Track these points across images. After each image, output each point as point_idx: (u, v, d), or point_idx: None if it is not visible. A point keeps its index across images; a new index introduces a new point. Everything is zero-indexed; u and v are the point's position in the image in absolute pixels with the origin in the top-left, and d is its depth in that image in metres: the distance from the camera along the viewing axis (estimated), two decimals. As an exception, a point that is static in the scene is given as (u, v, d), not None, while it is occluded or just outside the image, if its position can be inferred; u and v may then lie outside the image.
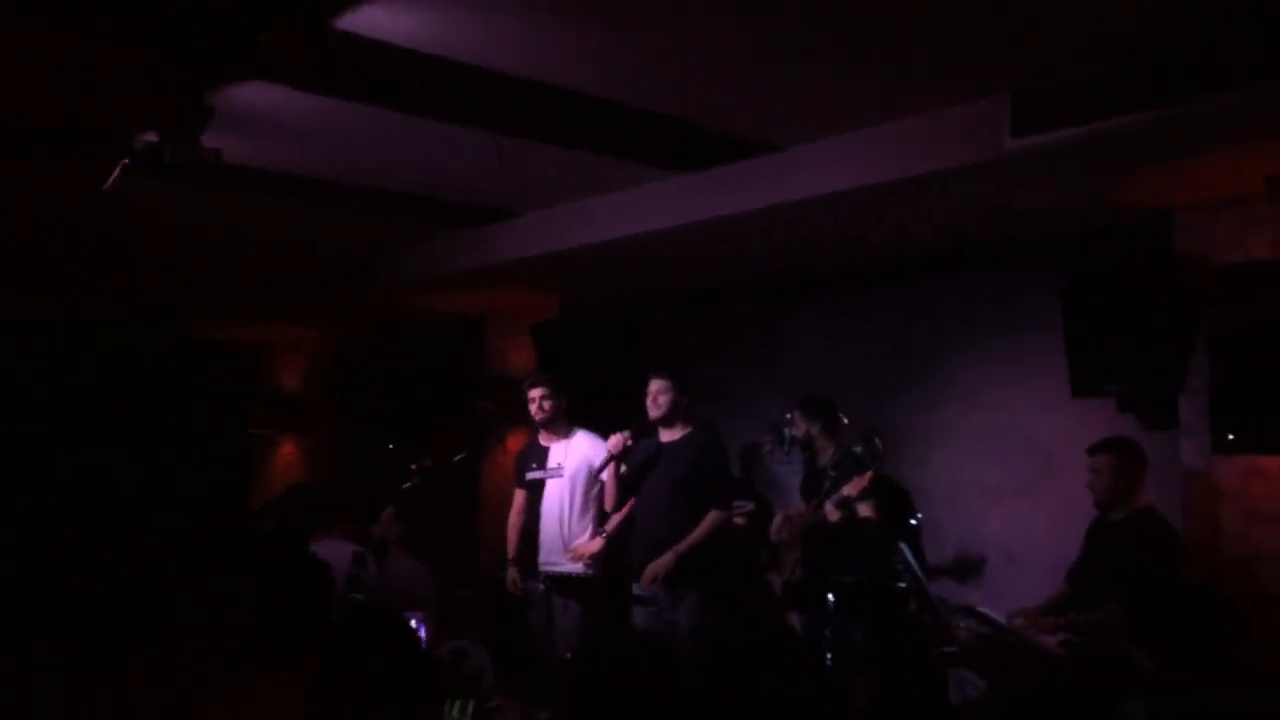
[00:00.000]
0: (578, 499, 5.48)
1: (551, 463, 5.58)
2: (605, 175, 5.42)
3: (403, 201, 5.93)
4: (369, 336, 9.06)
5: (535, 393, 5.55)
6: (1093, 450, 4.66)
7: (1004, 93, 4.20)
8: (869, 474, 5.22)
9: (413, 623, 4.71)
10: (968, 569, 5.87)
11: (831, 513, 5.32)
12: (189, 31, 3.36)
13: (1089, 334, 4.88)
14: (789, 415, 6.59)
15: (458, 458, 6.51)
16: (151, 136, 4.01)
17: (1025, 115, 4.18)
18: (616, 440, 5.20)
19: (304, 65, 3.46)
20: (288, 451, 9.79)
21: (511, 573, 5.60)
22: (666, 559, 5.03)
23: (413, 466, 6.28)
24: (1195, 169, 4.43)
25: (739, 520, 6.18)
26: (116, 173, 4.28)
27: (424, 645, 4.78)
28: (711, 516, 5.14)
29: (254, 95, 4.19)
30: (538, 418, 5.57)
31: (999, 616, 4.66)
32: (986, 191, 4.76)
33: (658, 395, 5.21)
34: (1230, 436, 4.17)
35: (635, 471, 5.27)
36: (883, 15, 3.56)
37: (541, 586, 5.47)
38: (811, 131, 4.76)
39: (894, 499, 5.80)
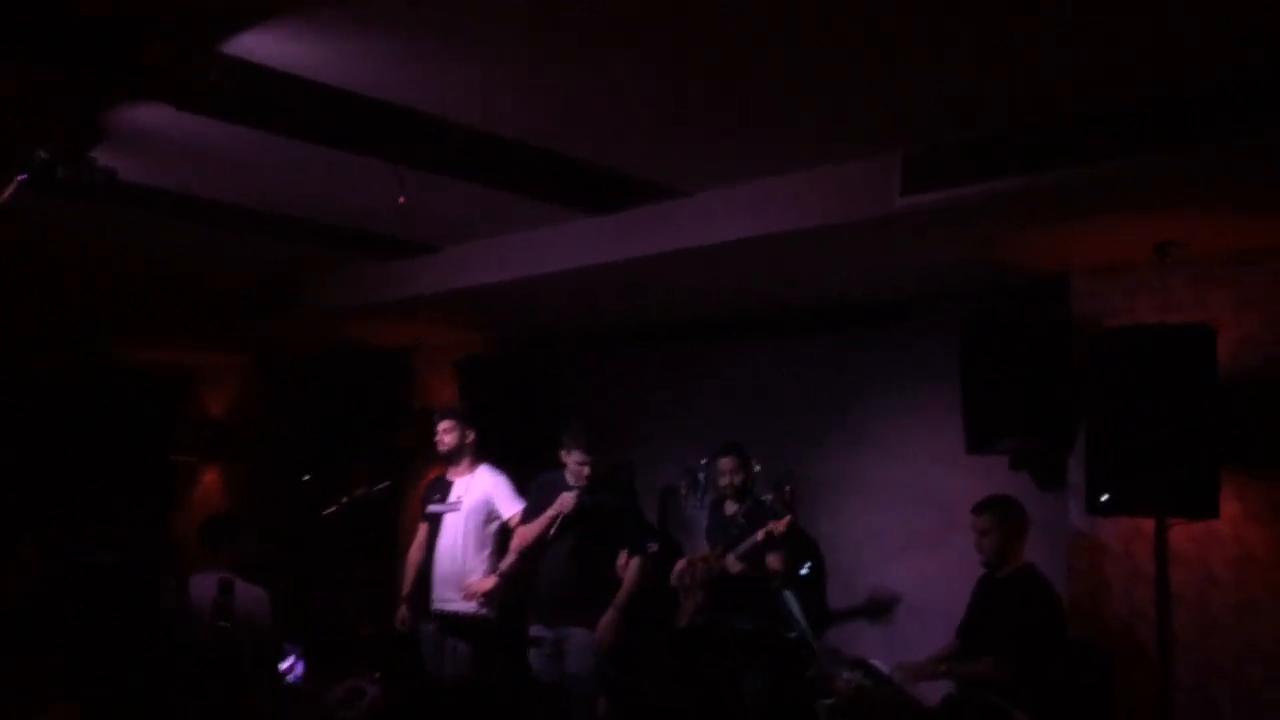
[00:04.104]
0: (474, 535, 5.42)
1: (452, 496, 5.54)
2: (521, 214, 5.44)
3: (321, 231, 5.92)
4: (299, 364, 9.00)
5: (440, 425, 5.55)
6: (977, 509, 4.70)
7: (896, 151, 4.28)
8: (786, 518, 5.25)
9: (289, 660, 4.68)
10: (879, 609, 5.87)
11: (733, 565, 5.33)
12: (73, 49, 3.36)
13: (983, 392, 4.95)
14: (704, 460, 6.65)
15: (379, 487, 6.45)
16: (44, 154, 3.99)
17: (915, 174, 4.26)
18: (569, 499, 5.15)
19: (189, 88, 3.45)
20: (211, 480, 9.67)
21: (402, 611, 5.53)
22: (610, 616, 5.06)
23: (344, 499, 6.21)
24: (1085, 234, 4.53)
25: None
26: (12, 188, 4.25)
27: (298, 681, 4.74)
28: (635, 562, 5.17)
29: (162, 118, 4.19)
30: (440, 450, 5.55)
31: (886, 670, 4.67)
32: (881, 246, 4.83)
33: (583, 465, 5.18)
34: (1104, 498, 4.21)
35: (543, 510, 5.24)
36: (782, 70, 3.62)
37: (433, 626, 5.40)
38: (717, 179, 4.81)
39: (802, 548, 5.84)
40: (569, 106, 4.03)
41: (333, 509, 5.97)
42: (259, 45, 3.51)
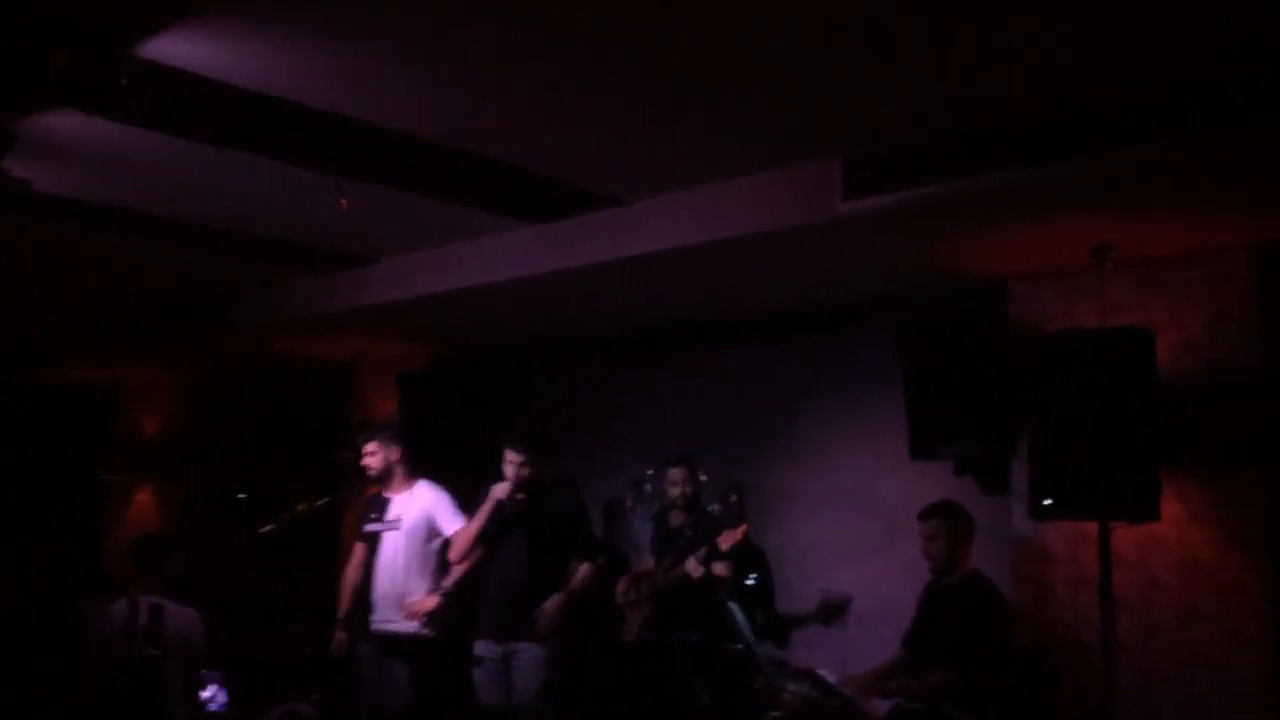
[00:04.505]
0: (414, 553, 5.27)
1: (391, 515, 5.39)
2: (461, 224, 5.33)
3: (254, 243, 5.76)
4: (236, 379, 8.79)
5: (365, 448, 5.42)
6: (924, 515, 4.67)
7: (838, 156, 4.25)
8: (743, 526, 5.18)
9: (211, 689, 4.52)
10: (832, 613, 5.83)
11: (695, 568, 5.24)
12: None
13: (925, 398, 4.92)
14: (650, 471, 6.57)
15: (319, 503, 6.28)
16: (-47, 162, 3.81)
17: (857, 179, 4.23)
18: (502, 486, 4.99)
19: (99, 93, 3.31)
20: (144, 499, 9.41)
21: (338, 634, 5.37)
22: (557, 599, 4.93)
23: (283, 517, 6.04)
24: (1024, 238, 4.52)
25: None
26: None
27: (221, 710, 4.58)
28: (585, 567, 5.07)
29: (78, 125, 4.03)
30: (369, 473, 5.43)
31: (834, 680, 4.61)
32: (823, 252, 4.80)
33: (520, 467, 5.06)
34: (1046, 502, 4.19)
35: (491, 525, 5.12)
36: (721, 75, 3.57)
37: (371, 647, 5.24)
38: (655, 187, 4.75)
39: (748, 558, 5.77)
40: (508, 114, 3.95)
41: (270, 527, 5.80)
42: (174, 48, 3.37)
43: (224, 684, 4.04)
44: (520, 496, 5.04)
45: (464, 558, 5.17)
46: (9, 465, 8.72)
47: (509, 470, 5.02)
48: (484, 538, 5.13)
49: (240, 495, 7.36)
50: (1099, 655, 4.45)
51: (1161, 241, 4.48)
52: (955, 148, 4.00)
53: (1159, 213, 4.18)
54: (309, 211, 5.15)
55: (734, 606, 4.62)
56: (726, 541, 5.15)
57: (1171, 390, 4.37)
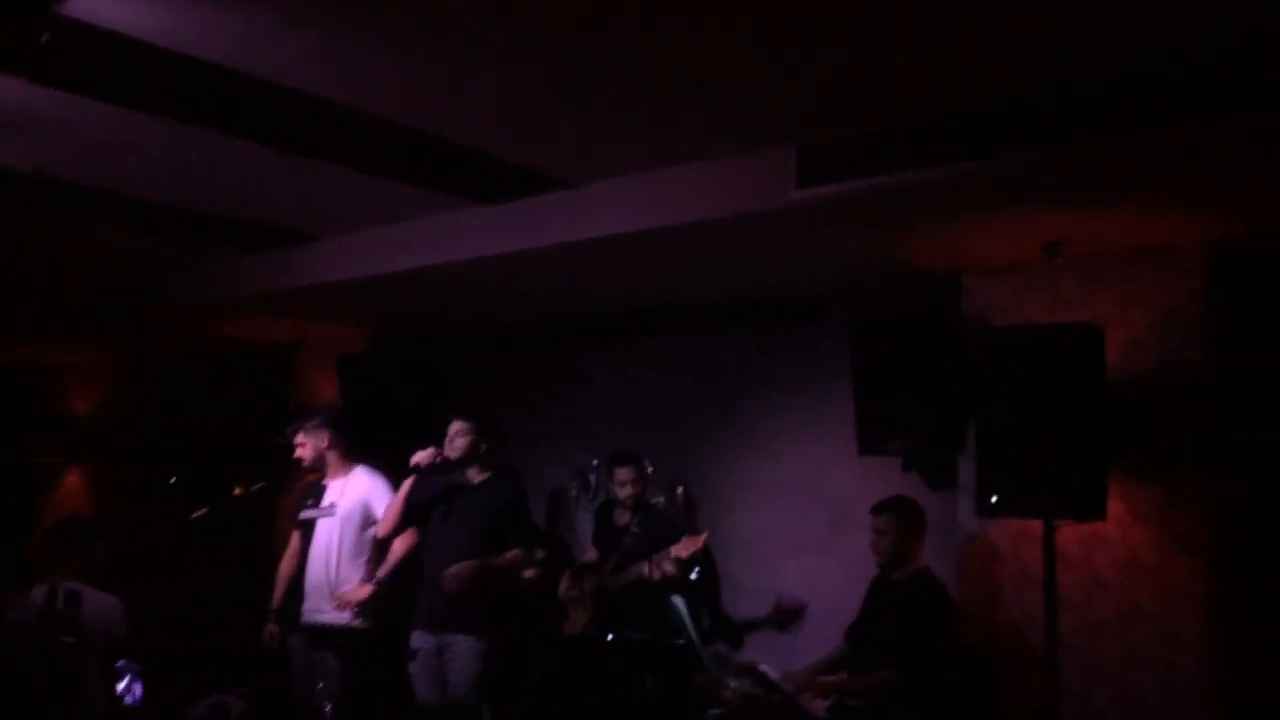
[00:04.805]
0: (349, 541, 5.11)
1: (326, 501, 5.23)
2: (405, 203, 5.18)
3: (189, 219, 5.55)
4: (173, 361, 8.54)
5: (294, 440, 5.27)
6: (876, 509, 4.62)
7: (792, 143, 4.17)
8: (703, 536, 5.06)
9: (125, 680, 4.34)
10: (787, 618, 5.76)
11: (652, 571, 5.11)
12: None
13: (874, 392, 4.87)
14: (594, 461, 6.45)
15: (255, 487, 6.10)
16: None
17: (812, 166, 4.15)
18: (425, 454, 4.85)
19: (18, 52, 3.13)
20: (73, 482, 9.13)
21: (270, 626, 5.21)
22: (471, 564, 4.71)
23: (218, 502, 5.85)
24: (975, 232, 4.48)
25: (529, 574, 5.95)
26: None
27: (136, 704, 4.41)
28: (516, 553, 4.87)
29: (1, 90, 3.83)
30: (303, 464, 5.28)
31: (776, 676, 4.54)
32: (777, 241, 4.72)
33: (455, 437, 4.94)
34: (993, 499, 4.15)
35: (420, 503, 4.97)
36: (674, 59, 3.48)
37: (302, 638, 5.08)
38: (606, 170, 4.64)
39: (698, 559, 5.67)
40: (456, 91, 3.82)
41: (202, 511, 5.62)
42: (99, 7, 3.19)
43: (140, 676, 3.88)
44: (441, 460, 4.85)
45: (390, 533, 4.99)
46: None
47: (448, 440, 4.89)
48: (416, 518, 4.97)
49: (171, 479, 7.14)
50: (1044, 654, 4.43)
51: (1113, 237, 4.45)
52: (911, 138, 3.94)
53: (1111, 208, 4.15)
54: (248, 187, 4.99)
55: (677, 601, 4.52)
56: (685, 550, 5.02)
57: (1119, 388, 4.34)
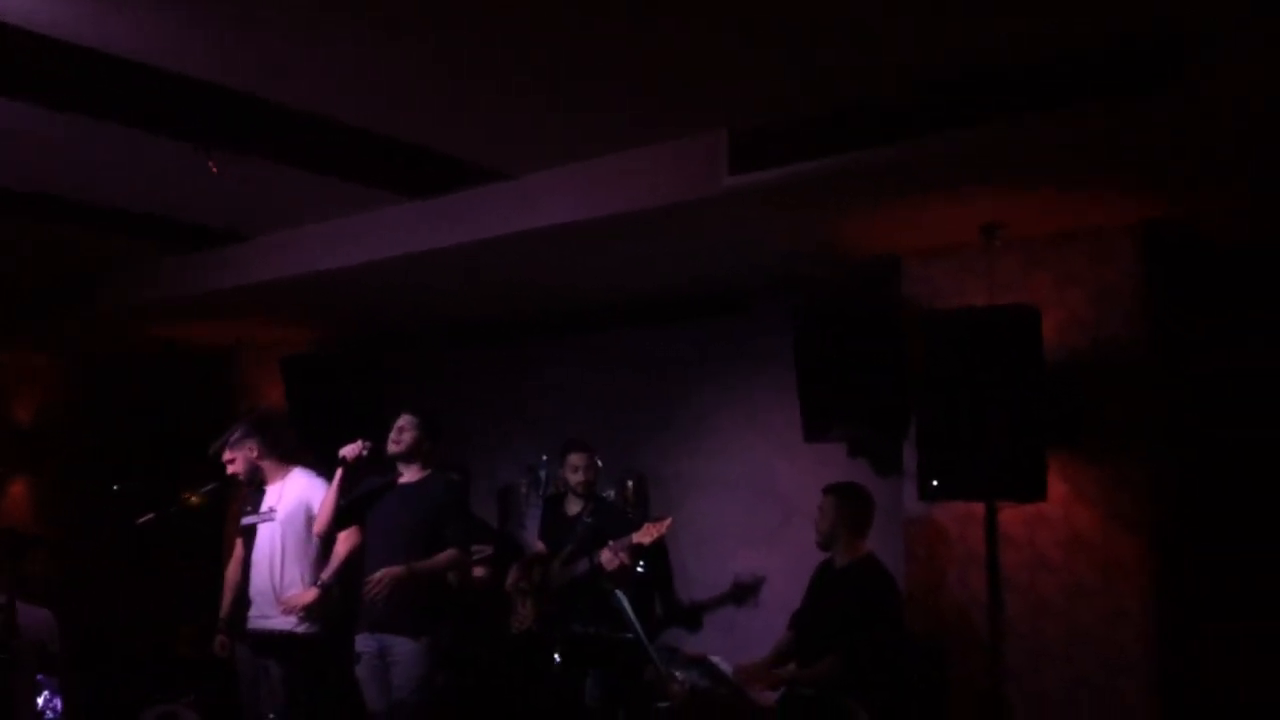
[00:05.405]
0: (291, 544, 4.99)
1: (265, 506, 5.12)
2: (337, 198, 5.09)
3: (116, 219, 5.43)
4: (113, 365, 8.37)
5: (224, 458, 5.15)
6: (825, 490, 4.60)
7: (723, 128, 4.13)
8: (668, 519, 5.02)
9: (44, 695, 4.23)
10: (744, 592, 5.75)
11: (610, 560, 5.05)
12: None
13: (818, 380, 4.86)
14: (544, 457, 6.39)
15: (203, 490, 5.96)
16: None
17: (744, 152, 4.12)
18: (353, 447, 4.72)
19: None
20: (17, 491, 8.92)
21: (220, 636, 5.10)
22: (400, 569, 4.56)
23: (163, 509, 5.72)
24: (913, 215, 4.46)
25: (478, 573, 5.88)
26: None
27: (58, 717, 4.31)
28: (450, 552, 4.73)
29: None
30: (239, 479, 5.17)
31: (727, 668, 4.51)
32: (714, 227, 4.68)
33: (403, 430, 4.84)
34: (934, 482, 4.14)
35: (359, 500, 4.87)
36: (604, 46, 3.44)
37: (247, 646, 4.98)
38: (540, 161, 4.59)
39: (650, 549, 5.63)
40: (387, 84, 3.76)
41: (149, 517, 5.49)
42: (16, 3, 3.10)
43: (59, 690, 3.77)
44: (370, 452, 4.74)
45: (326, 530, 4.87)
46: None
47: (394, 433, 4.79)
48: (355, 516, 4.87)
49: (114, 486, 6.99)
50: (989, 636, 4.44)
51: (1049, 219, 4.46)
52: (842, 122, 3.92)
53: (1045, 190, 4.15)
54: (176, 186, 4.87)
55: (620, 595, 4.47)
56: (649, 536, 4.97)
57: (1057, 369, 4.35)
